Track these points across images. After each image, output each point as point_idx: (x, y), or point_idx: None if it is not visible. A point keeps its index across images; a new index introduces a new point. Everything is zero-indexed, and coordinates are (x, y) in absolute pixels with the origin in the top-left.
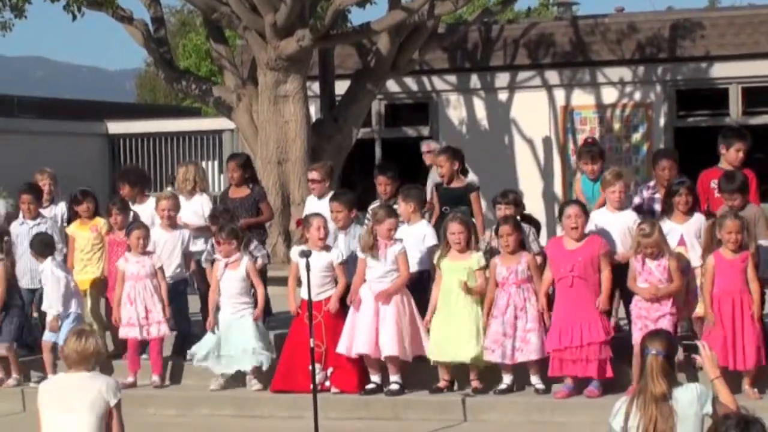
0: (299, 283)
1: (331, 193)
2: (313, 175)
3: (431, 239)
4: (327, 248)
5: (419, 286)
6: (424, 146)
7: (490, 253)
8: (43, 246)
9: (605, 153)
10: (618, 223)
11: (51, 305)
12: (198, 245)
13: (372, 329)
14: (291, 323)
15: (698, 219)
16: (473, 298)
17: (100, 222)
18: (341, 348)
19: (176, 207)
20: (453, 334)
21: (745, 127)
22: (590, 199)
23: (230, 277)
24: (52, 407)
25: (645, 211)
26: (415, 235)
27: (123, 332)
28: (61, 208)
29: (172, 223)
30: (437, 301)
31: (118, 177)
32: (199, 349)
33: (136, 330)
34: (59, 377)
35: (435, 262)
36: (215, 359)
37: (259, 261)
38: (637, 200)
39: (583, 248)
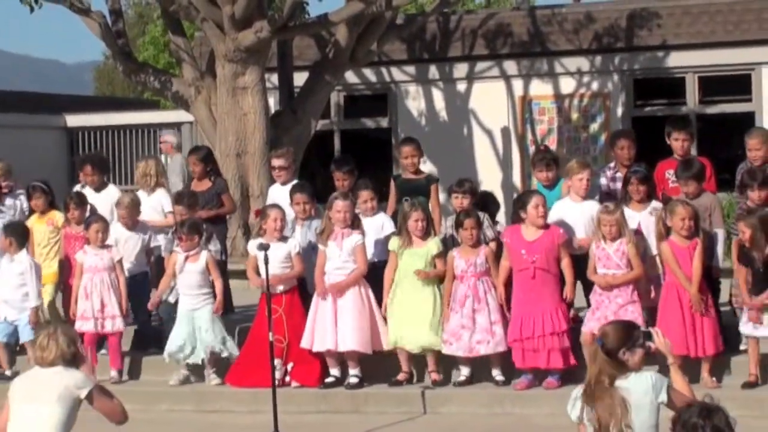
0: (258, 274)
1: (294, 181)
2: (280, 162)
3: (389, 227)
4: (284, 239)
5: (380, 276)
6: (163, 136)
7: (447, 241)
8: (19, 236)
9: (558, 160)
10: (582, 213)
11: (34, 297)
12: (158, 241)
13: (332, 324)
14: (254, 318)
15: (655, 207)
16: (432, 285)
17: (57, 215)
18: (305, 343)
19: (133, 211)
20: (411, 321)
21: (701, 116)
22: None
23: (190, 269)
24: (19, 399)
25: (609, 191)
26: (375, 226)
27: (77, 326)
28: (21, 200)
29: (133, 224)
30: (391, 285)
31: (82, 160)
32: (170, 346)
33: (91, 323)
34: (32, 371)
35: (393, 248)
36: (185, 351)
37: (213, 254)
38: (602, 180)
39: (543, 238)
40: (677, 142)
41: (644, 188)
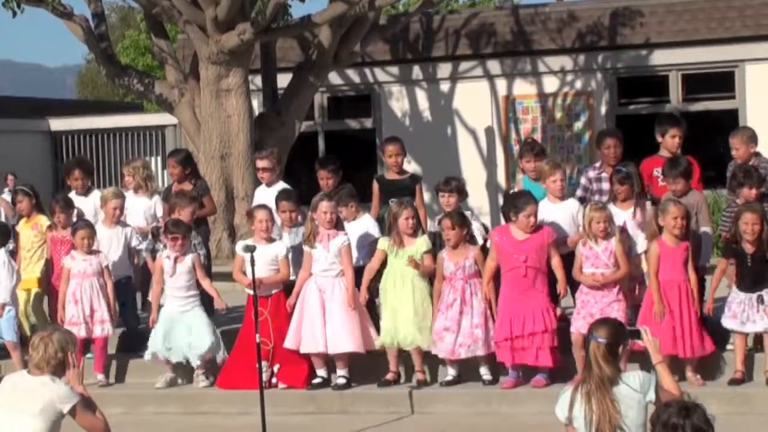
0: (245, 275)
1: (280, 182)
2: (264, 163)
3: (375, 232)
4: (271, 241)
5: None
6: None
7: (436, 240)
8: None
9: (546, 151)
10: (562, 213)
11: (2, 293)
12: (144, 244)
13: (319, 326)
14: (243, 320)
15: (642, 206)
16: (422, 284)
17: (42, 220)
18: (288, 343)
19: (122, 202)
20: (404, 321)
21: (685, 114)
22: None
23: (179, 271)
24: (3, 407)
25: (593, 191)
26: (359, 230)
27: None
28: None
29: (116, 220)
30: (370, 277)
31: (70, 165)
32: (150, 346)
33: (81, 329)
34: (20, 376)
35: (382, 247)
36: (165, 351)
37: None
38: (583, 180)
39: (533, 238)
40: (673, 138)
41: (624, 188)
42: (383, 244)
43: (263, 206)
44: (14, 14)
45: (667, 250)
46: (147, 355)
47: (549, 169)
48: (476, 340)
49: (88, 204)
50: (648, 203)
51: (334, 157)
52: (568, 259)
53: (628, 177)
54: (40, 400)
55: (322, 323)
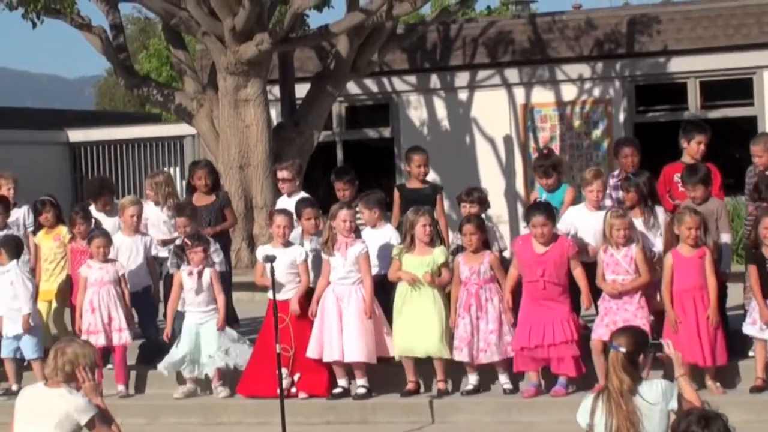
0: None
1: (301, 192)
2: (284, 174)
3: (396, 242)
4: (289, 245)
5: (384, 289)
6: None
7: (456, 251)
8: (11, 248)
9: (559, 165)
10: (595, 222)
11: (24, 304)
12: (164, 252)
13: (336, 334)
14: (261, 327)
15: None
16: (437, 293)
17: (63, 231)
18: (311, 353)
19: (140, 208)
20: (418, 330)
21: (704, 121)
22: None
23: (197, 287)
24: (22, 420)
25: (612, 199)
26: (380, 239)
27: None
28: (23, 212)
29: (136, 228)
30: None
31: (97, 191)
32: (169, 359)
33: (100, 337)
34: (36, 389)
35: (395, 255)
36: (187, 365)
37: (217, 267)
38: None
39: (552, 251)
40: (699, 145)
41: (629, 196)
42: (396, 251)
43: (283, 211)
44: (34, 25)
45: (682, 260)
46: (162, 368)
47: (589, 178)
48: (490, 345)
49: (113, 223)
50: (660, 209)
51: (349, 168)
52: (592, 268)
53: (636, 185)
54: (56, 413)
55: (339, 331)
